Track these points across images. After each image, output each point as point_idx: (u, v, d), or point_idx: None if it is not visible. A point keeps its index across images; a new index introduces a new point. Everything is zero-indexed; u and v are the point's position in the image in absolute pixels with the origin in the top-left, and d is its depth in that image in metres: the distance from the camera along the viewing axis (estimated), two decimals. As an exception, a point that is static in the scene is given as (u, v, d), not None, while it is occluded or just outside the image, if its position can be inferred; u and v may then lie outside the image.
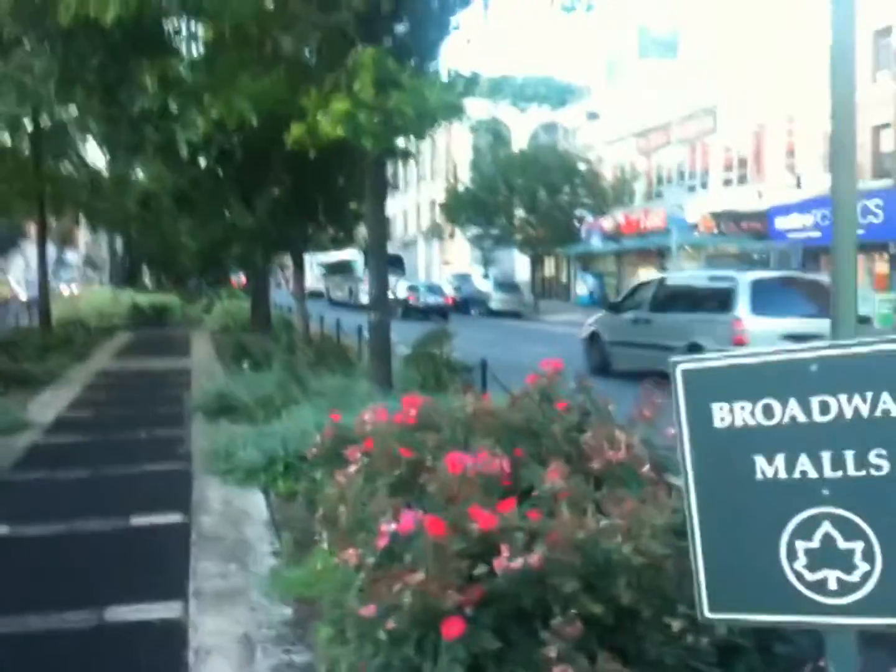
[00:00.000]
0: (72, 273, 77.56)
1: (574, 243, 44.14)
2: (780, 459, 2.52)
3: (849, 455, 2.43)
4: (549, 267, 56.46)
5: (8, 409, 9.77)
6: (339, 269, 47.58)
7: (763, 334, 12.80)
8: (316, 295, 45.25)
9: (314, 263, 49.38)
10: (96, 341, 20.97)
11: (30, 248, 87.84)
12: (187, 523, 5.95)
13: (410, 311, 35.17)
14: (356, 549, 3.20)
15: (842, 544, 2.44)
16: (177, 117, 9.94)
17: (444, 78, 8.64)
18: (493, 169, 44.25)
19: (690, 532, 2.64)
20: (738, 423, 2.57)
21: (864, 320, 29.53)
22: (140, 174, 22.35)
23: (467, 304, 42.48)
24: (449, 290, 42.23)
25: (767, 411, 2.53)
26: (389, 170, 15.95)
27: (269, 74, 9.25)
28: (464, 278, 49.79)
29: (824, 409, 2.46)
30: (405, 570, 2.85)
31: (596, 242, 39.80)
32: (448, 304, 38.62)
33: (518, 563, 2.76)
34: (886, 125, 29.35)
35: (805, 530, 2.48)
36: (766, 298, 13.83)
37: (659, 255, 39.63)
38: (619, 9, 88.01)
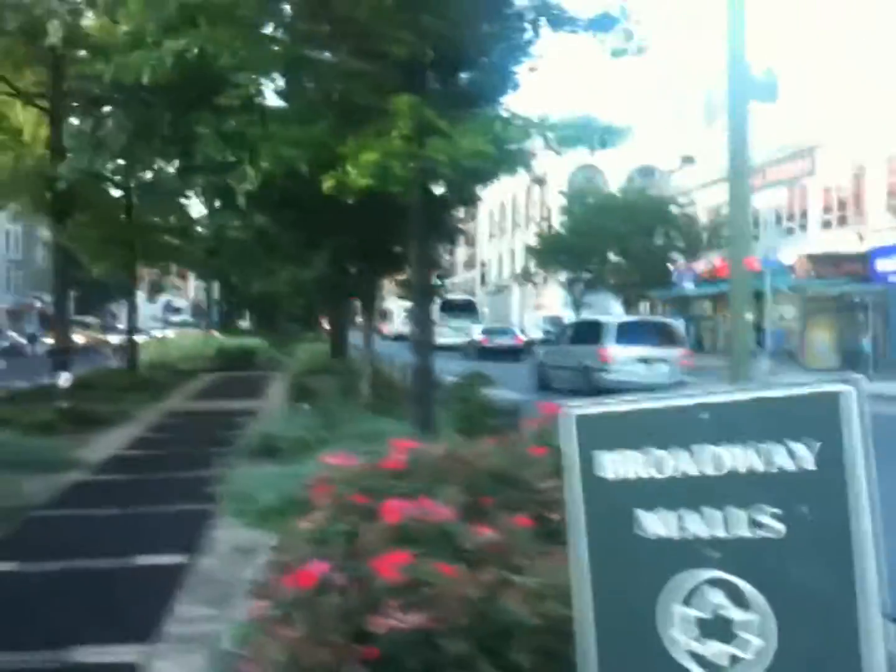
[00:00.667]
0: (179, 318, 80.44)
1: (667, 287, 43.28)
2: (668, 516, 2.26)
3: (741, 514, 2.15)
4: (643, 311, 55.49)
5: (59, 448, 10.01)
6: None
7: (622, 357, 19.92)
8: (404, 338, 45.39)
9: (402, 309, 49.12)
10: (177, 383, 21.51)
11: (141, 296, 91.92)
12: (188, 564, 5.89)
13: (486, 353, 37.01)
14: (265, 602, 3.04)
15: (733, 615, 2.15)
16: (231, 167, 10.14)
17: (482, 123, 8.46)
18: (584, 213, 43.92)
19: (574, 592, 2.39)
20: (627, 474, 2.32)
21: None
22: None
23: None
24: (534, 333, 42.78)
25: (657, 462, 2.28)
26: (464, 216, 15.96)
27: (316, 123, 9.31)
28: (555, 322, 49.52)
29: (715, 461, 2.19)
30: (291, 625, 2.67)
31: (688, 286, 38.88)
32: (519, 345, 40.58)
33: (399, 621, 2.55)
34: None
35: (694, 597, 2.21)
36: (625, 334, 20.73)
37: (756, 299, 38.38)
38: (714, 52, 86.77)
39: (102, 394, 17.46)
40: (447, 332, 41.91)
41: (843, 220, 35.75)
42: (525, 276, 54.47)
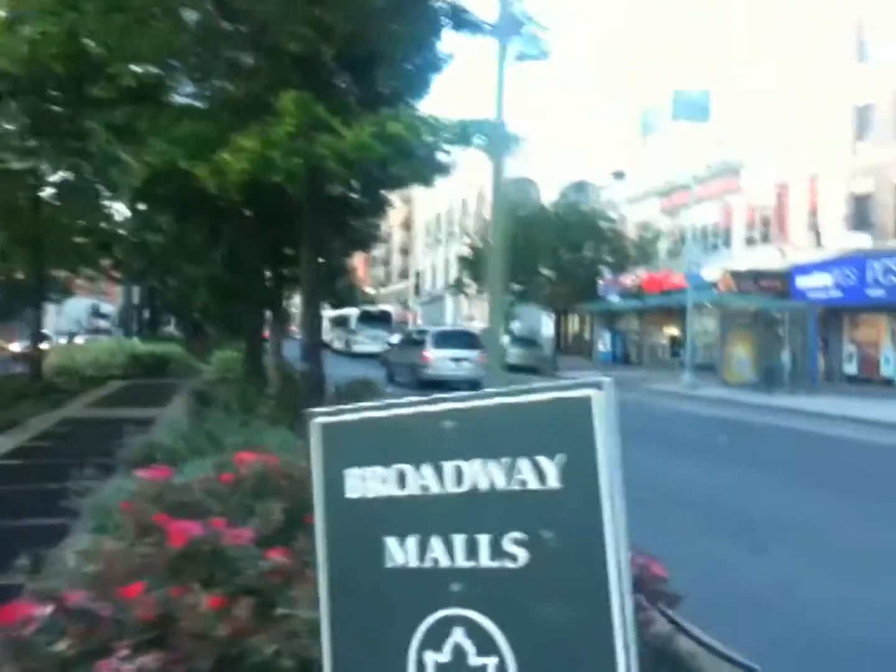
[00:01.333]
0: (104, 323, 78.59)
1: (596, 301, 43.56)
2: (411, 542, 1.95)
3: (483, 540, 1.85)
4: (573, 324, 55.84)
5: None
6: (340, 322, 51.85)
7: (437, 357, 26.75)
8: (326, 346, 48.18)
9: (325, 318, 51.84)
10: (82, 390, 20.67)
11: (69, 301, 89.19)
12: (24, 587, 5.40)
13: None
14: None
15: (473, 660, 1.85)
16: (116, 163, 9.70)
17: (372, 119, 8.15)
18: (515, 226, 43.90)
19: (322, 635, 2.07)
20: (370, 493, 2.00)
21: (889, 382, 28.47)
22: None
23: None
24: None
25: (400, 479, 1.96)
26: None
27: (207, 119, 8.92)
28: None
29: (458, 478, 1.89)
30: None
31: (613, 299, 39.14)
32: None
33: (128, 666, 2.19)
34: (909, 184, 28.57)
35: (435, 638, 1.90)
36: (441, 340, 28.21)
37: (680, 314, 38.82)
38: (652, 71, 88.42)
39: (-4, 399, 16.73)
40: (365, 341, 46.38)
41: (766, 238, 36.34)
42: (457, 288, 54.28)
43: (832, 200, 31.82)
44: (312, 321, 9.28)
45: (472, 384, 23.59)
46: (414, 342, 29.99)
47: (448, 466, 1.89)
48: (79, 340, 43.73)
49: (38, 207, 20.68)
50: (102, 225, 22.73)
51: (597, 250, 42.11)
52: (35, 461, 10.48)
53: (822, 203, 32.68)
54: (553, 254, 42.30)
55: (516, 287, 46.21)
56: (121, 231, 23.59)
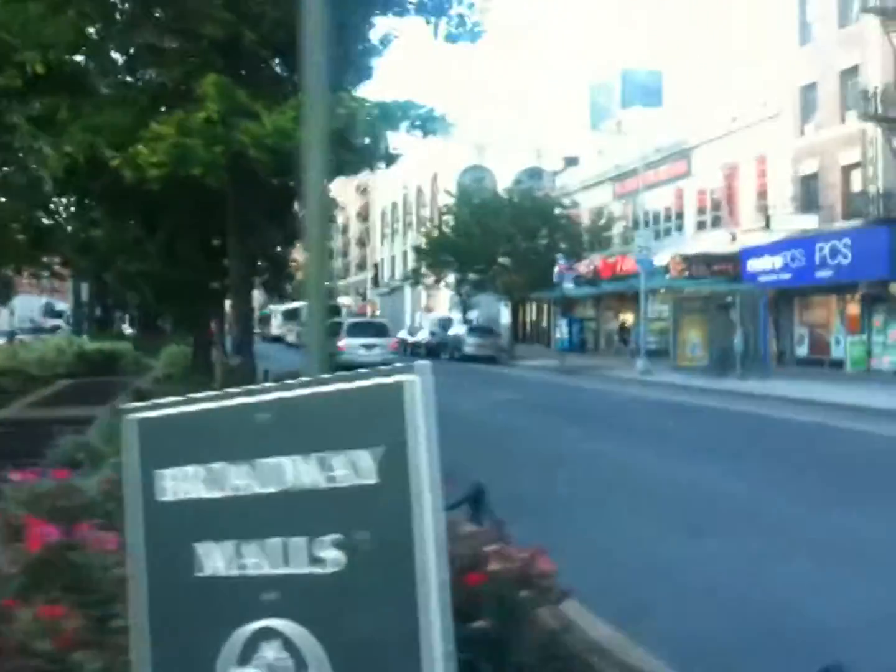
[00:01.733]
0: (57, 321, 77.31)
1: (552, 288, 43.57)
2: (224, 548, 1.77)
3: (298, 544, 1.69)
4: (531, 312, 55.89)
5: None
6: (292, 316, 52.79)
7: (351, 345, 30.79)
8: (279, 339, 56.77)
9: (278, 312, 60.31)
10: (24, 390, 20.15)
11: (18, 299, 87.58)
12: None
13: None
14: None
15: (289, 674, 1.69)
16: (37, 154, 9.37)
17: (294, 104, 7.90)
18: (469, 214, 43.77)
19: (134, 645, 1.90)
20: (184, 494, 1.83)
21: (839, 364, 28.79)
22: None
23: (439, 348, 42.93)
24: (421, 335, 44.58)
25: (214, 479, 1.79)
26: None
27: (126, 106, 8.59)
28: (445, 323, 49.55)
29: (273, 476, 1.72)
30: None
31: (569, 286, 39.15)
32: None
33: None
34: (856, 165, 28.83)
35: (246, 652, 1.73)
36: (354, 330, 32.70)
37: (635, 299, 38.98)
38: (603, 54, 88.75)
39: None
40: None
41: (717, 222, 36.56)
42: (414, 278, 54.06)
43: (780, 182, 32.08)
44: (243, 314, 9.04)
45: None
46: (330, 331, 33.33)
47: (263, 464, 1.73)
48: (24, 339, 42.57)
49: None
50: (45, 221, 22.20)
51: (551, 237, 42.11)
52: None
53: (770, 185, 32.92)
54: (509, 241, 42.27)
55: (472, 276, 46.20)
56: (68, 228, 23.07)
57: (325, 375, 1.71)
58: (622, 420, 17.65)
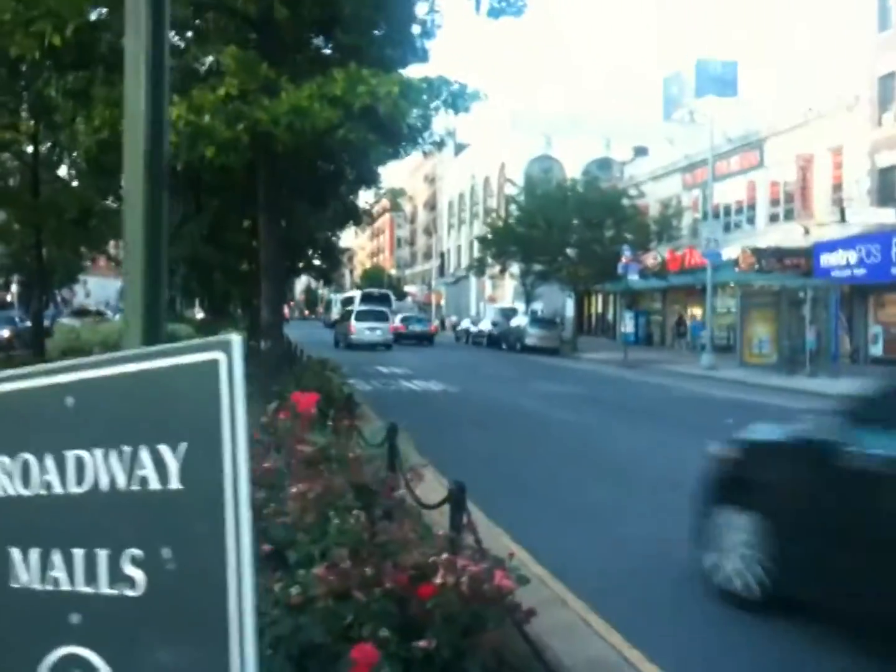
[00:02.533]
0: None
1: (617, 280, 42.74)
2: (33, 556, 1.47)
3: (102, 558, 1.37)
4: (596, 304, 55.07)
5: None
6: (347, 303, 57.52)
7: (359, 328, 38.82)
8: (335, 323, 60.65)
9: (338, 300, 67.18)
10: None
11: (92, 280, 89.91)
12: None
13: (402, 337, 44.89)
14: None
15: (89, 715, 1.37)
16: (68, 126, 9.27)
17: (322, 81, 7.60)
18: (534, 205, 43.14)
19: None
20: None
21: None
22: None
23: (500, 339, 42.69)
24: (484, 325, 45.21)
25: (25, 472, 1.49)
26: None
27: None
28: (508, 314, 49.20)
29: (79, 473, 1.41)
30: None
31: (633, 277, 38.25)
32: (432, 332, 49.93)
33: None
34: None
35: (50, 685, 1.42)
36: (361, 316, 40.21)
37: (703, 293, 38.00)
38: (676, 45, 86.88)
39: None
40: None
41: (789, 214, 35.35)
42: (479, 268, 53.67)
43: (856, 175, 30.80)
44: (273, 296, 8.81)
45: (385, 345, 38.98)
46: (344, 317, 43.86)
47: (70, 457, 1.41)
48: (66, 321, 43.15)
49: (37, 188, 20.41)
50: (108, 203, 22.44)
51: (617, 228, 41.26)
52: None
53: (846, 177, 31.65)
54: (573, 232, 41.58)
55: (537, 267, 45.60)
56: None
57: (135, 350, 1.39)
58: (680, 417, 17.05)
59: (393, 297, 58.33)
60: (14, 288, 59.66)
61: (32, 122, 17.24)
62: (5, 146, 17.78)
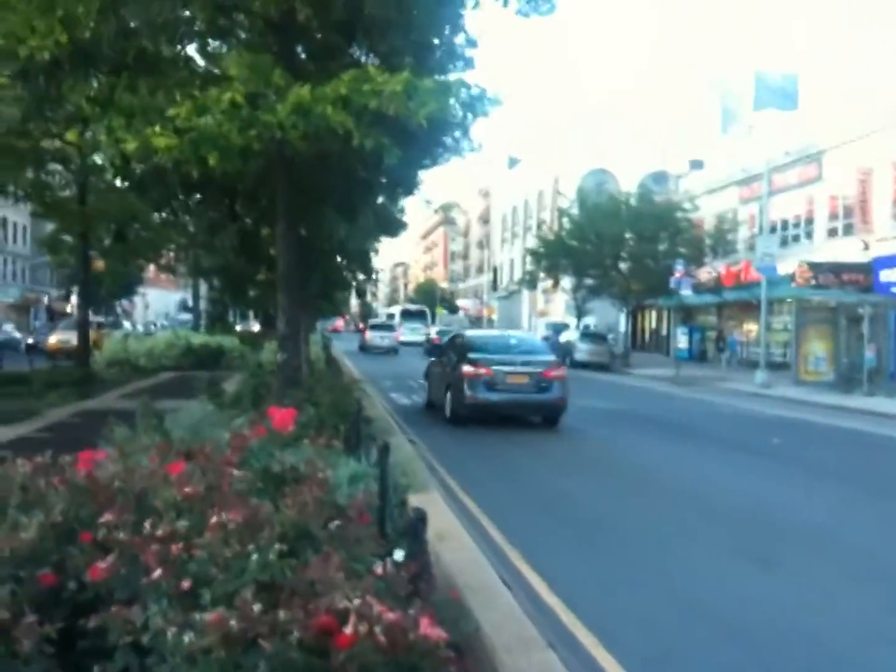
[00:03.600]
0: (188, 316, 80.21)
1: (670, 295, 41.94)
2: None
3: None
4: (650, 319, 54.21)
5: None
6: (389, 318, 65.98)
7: (372, 336, 50.86)
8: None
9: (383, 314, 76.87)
10: (126, 381, 20.59)
11: (151, 291, 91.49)
12: None
13: (436, 349, 48.53)
14: None
15: None
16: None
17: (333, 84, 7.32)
18: (586, 218, 42.57)
19: None
20: None
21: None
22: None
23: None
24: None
25: None
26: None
27: (161, 87, 8.19)
28: (559, 328, 48.69)
29: None
30: None
31: (686, 292, 37.45)
32: None
33: None
34: None
35: None
36: (374, 327, 53.38)
37: (758, 308, 37.05)
38: (733, 53, 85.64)
39: (26, 389, 16.68)
40: (406, 332, 57.92)
41: (848, 229, 34.31)
42: (530, 282, 53.20)
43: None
44: (289, 310, 8.58)
45: (392, 350, 49.00)
46: (361, 329, 57.83)
47: None
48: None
49: (84, 198, 20.61)
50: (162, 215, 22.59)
51: (671, 242, 40.51)
52: (19, 452, 10.09)
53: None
54: (626, 246, 40.96)
55: (589, 281, 45.00)
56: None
57: None
58: (724, 435, 16.45)
59: (428, 312, 64.41)
60: (74, 299, 60.88)
61: (76, 132, 17.40)
62: (50, 156, 17.95)
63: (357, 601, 2.17)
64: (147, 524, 2.81)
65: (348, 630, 2.09)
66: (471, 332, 23.99)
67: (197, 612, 2.41)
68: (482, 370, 15.23)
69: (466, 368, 15.38)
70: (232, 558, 2.49)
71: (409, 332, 58.03)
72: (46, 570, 2.96)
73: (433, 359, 19.27)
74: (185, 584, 2.54)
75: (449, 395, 15.96)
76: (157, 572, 2.58)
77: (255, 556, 2.44)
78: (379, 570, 2.51)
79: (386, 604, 2.27)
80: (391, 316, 66.80)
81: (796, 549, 7.55)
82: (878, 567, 7.11)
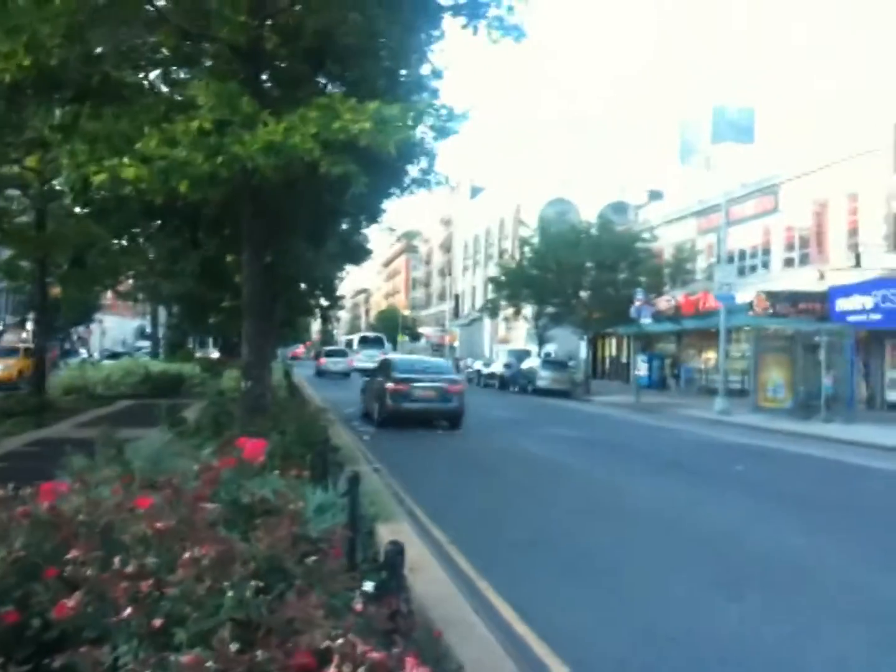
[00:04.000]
0: (146, 343, 79.08)
1: (630, 323, 42.29)
2: None
3: None
4: (610, 347, 54.59)
5: None
6: (347, 345, 71.38)
7: (326, 362, 56.16)
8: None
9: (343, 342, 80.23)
10: (82, 409, 20.20)
11: (108, 318, 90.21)
12: None
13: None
14: None
15: None
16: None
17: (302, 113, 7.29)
18: (546, 247, 42.91)
19: None
20: None
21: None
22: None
23: (511, 381, 42.75)
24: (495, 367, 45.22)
25: None
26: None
27: (126, 113, 8.09)
28: (520, 356, 48.88)
29: None
30: None
31: (646, 321, 37.81)
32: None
33: None
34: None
35: None
36: (328, 353, 59.15)
37: (717, 336, 37.49)
38: (690, 85, 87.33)
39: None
40: (362, 359, 59.22)
41: (805, 259, 34.94)
42: (492, 309, 53.40)
43: (872, 220, 30.38)
44: (254, 335, 8.47)
45: (345, 374, 53.43)
46: (318, 355, 62.19)
47: None
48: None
49: (43, 224, 20.31)
50: (119, 243, 22.29)
51: (631, 271, 40.93)
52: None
53: (862, 223, 31.23)
54: (586, 275, 41.29)
55: (550, 309, 45.25)
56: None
57: None
58: (687, 463, 16.54)
59: (385, 339, 68.85)
60: (29, 325, 59.82)
61: (37, 157, 17.15)
62: (9, 182, 17.68)
63: (339, 640, 2.10)
64: (116, 560, 2.71)
65: (330, 671, 2.02)
66: (395, 357, 29.15)
67: (170, 653, 2.32)
68: (401, 386, 20.02)
69: (389, 385, 20.18)
70: (206, 595, 2.40)
71: (366, 359, 59.70)
72: (9, 607, 2.85)
73: (367, 378, 24.55)
74: (157, 622, 2.45)
75: (376, 405, 20.80)
76: (128, 611, 2.49)
77: (230, 594, 2.36)
78: (358, 606, 2.44)
79: (368, 642, 2.20)
80: (350, 343, 72.29)
81: (769, 578, 7.56)
82: (856, 598, 7.14)
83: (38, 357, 20.95)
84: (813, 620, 6.35)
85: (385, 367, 21.86)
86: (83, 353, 70.60)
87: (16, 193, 20.47)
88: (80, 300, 45.38)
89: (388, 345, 67.16)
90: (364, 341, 67.55)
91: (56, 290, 28.50)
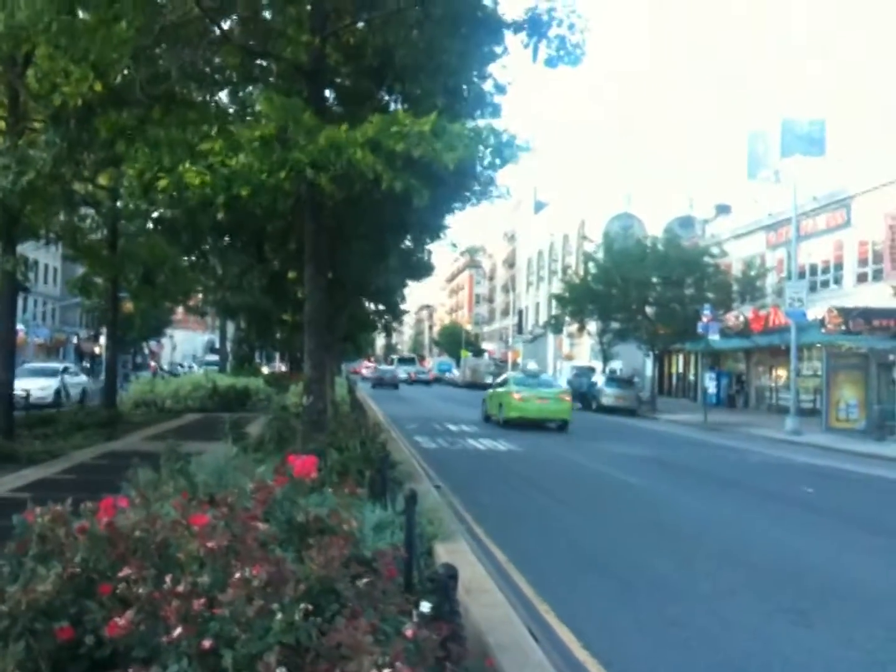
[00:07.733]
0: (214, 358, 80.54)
1: (698, 340, 41.57)
2: None
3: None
4: (677, 364, 53.76)
5: None
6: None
7: (400, 372, 75.11)
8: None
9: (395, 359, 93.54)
10: (151, 422, 20.57)
11: (178, 333, 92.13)
12: None
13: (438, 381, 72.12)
14: None
15: None
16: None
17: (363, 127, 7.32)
18: (611, 262, 42.46)
19: None
20: None
21: None
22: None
23: (575, 398, 42.26)
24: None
25: None
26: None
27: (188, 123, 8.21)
28: (584, 372, 48.37)
29: None
30: None
31: (713, 337, 37.10)
32: (431, 379, 79.61)
33: None
34: None
35: None
36: (401, 364, 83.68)
37: (788, 353, 36.62)
38: (759, 98, 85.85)
39: (54, 430, 16.70)
40: (400, 373, 72.31)
41: (878, 274, 33.96)
42: (555, 325, 53.04)
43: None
44: (316, 350, 8.51)
45: (394, 385, 61.84)
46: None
47: None
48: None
49: (114, 242, 20.81)
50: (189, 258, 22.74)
51: (698, 287, 40.26)
52: (40, 495, 10.02)
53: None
54: (653, 290, 40.75)
55: (615, 325, 44.74)
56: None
57: None
58: (756, 484, 16.10)
59: (416, 358, 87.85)
60: (102, 340, 61.39)
61: (109, 174, 17.56)
62: (84, 200, 18.15)
63: (386, 670, 2.04)
64: (168, 579, 2.70)
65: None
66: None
67: (218, 675, 2.29)
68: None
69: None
70: (255, 617, 2.37)
71: (402, 373, 76.39)
72: (64, 623, 2.86)
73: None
74: (207, 643, 2.42)
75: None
76: (178, 630, 2.47)
77: (279, 616, 2.32)
78: (409, 632, 2.38)
79: (416, 671, 2.14)
80: (391, 361, 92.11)
81: (840, 606, 7.29)
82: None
83: (110, 370, 21.40)
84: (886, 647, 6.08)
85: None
86: (152, 365, 72.26)
87: (90, 212, 20.98)
88: (151, 315, 46.47)
89: (450, 361, 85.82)
90: (401, 360, 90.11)
91: (129, 306, 29.20)
